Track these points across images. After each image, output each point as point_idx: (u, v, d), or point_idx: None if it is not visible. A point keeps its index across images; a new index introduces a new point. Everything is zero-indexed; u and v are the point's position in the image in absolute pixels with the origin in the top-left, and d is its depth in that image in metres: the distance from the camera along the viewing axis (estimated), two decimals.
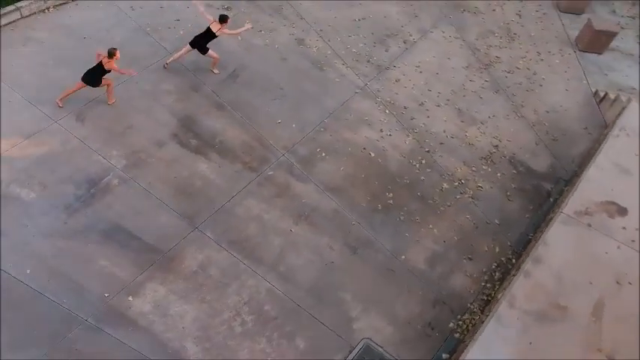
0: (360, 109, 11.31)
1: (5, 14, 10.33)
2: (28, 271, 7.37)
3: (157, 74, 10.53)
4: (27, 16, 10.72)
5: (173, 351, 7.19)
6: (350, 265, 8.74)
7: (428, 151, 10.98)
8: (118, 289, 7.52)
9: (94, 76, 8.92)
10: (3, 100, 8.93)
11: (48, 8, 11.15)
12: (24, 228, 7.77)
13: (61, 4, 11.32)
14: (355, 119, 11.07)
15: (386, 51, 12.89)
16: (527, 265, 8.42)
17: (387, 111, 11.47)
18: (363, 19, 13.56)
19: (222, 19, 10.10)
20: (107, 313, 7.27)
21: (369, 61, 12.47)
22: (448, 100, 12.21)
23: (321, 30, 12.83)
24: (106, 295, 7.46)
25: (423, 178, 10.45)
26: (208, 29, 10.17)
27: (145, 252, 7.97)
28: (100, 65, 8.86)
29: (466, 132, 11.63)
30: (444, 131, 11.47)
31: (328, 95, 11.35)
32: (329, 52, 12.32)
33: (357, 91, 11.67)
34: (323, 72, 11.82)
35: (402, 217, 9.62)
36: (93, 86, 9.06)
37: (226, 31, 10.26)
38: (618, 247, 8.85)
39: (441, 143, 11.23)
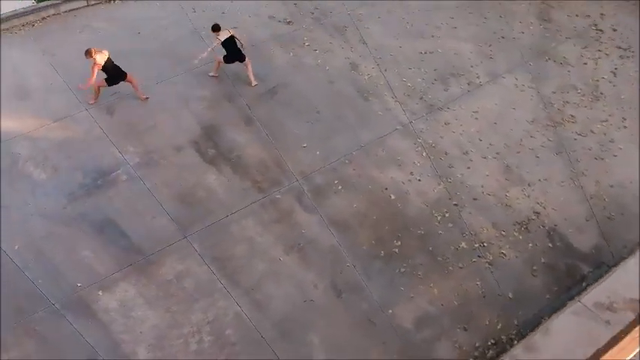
0: (395, 146, 11.37)
1: (72, 0, 11.60)
2: (16, 247, 8.27)
3: (198, 79, 11.28)
4: (92, 5, 11.95)
5: (124, 353, 7.73)
6: (330, 307, 8.85)
7: (456, 205, 10.79)
8: (91, 282, 8.21)
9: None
10: (46, 80, 10.02)
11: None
12: (25, 206, 8.73)
13: None
14: (386, 157, 11.14)
15: (445, 90, 12.82)
16: (517, 350, 8.06)
17: (424, 154, 11.42)
18: (430, 52, 13.59)
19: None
20: (74, 302, 7.97)
21: (421, 98, 12.48)
22: (498, 153, 11.90)
23: (380, 58, 13.04)
24: (79, 284, 8.18)
25: (441, 232, 10.30)
26: (232, 38, 10.59)
27: (128, 251, 8.63)
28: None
29: (507, 192, 11.27)
30: (482, 186, 11.20)
31: (365, 127, 11.52)
32: (381, 82, 12.49)
33: (399, 127, 11.73)
34: (368, 102, 12.01)
35: (402, 269, 9.56)
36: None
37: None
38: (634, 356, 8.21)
39: (475, 199, 10.98)
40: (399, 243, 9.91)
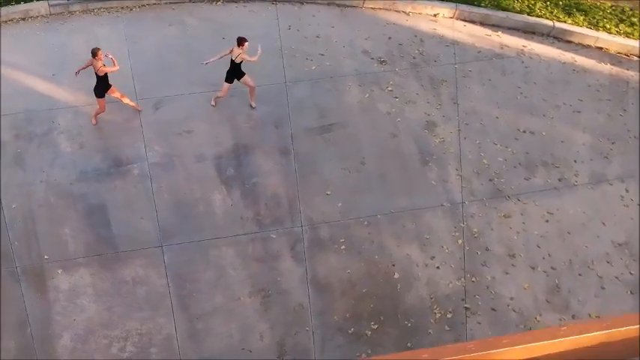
0: (430, 224, 11.18)
1: None
2: (13, 206, 9.91)
3: (256, 96, 12.17)
4: (194, 2, 13.50)
5: (51, 332, 8.89)
6: None
7: (467, 308, 10.34)
8: (57, 258, 9.54)
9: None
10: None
11: (218, 0, 13.78)
12: (40, 172, 10.38)
13: (230, 1, 13.85)
14: (413, 231, 11.02)
15: (526, 179, 12.21)
16: None
17: (460, 241, 11.08)
18: (531, 132, 12.99)
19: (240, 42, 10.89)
20: (34, 272, 9.35)
21: (491, 180, 12.04)
22: (554, 268, 11.08)
23: (466, 124, 12.81)
24: (46, 257, 9.56)
25: (431, 331, 9.98)
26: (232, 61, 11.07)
27: (103, 241, 9.83)
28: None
29: (539, 315, 10.48)
30: (512, 299, 10.56)
31: (407, 193, 11.49)
32: (453, 149, 12.30)
33: (445, 204, 11.50)
34: (425, 167, 11.94)
35: (364, 354, 9.49)
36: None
37: (245, 56, 11.01)
38: None
39: (493, 309, 10.41)
40: (376, 327, 9.83)
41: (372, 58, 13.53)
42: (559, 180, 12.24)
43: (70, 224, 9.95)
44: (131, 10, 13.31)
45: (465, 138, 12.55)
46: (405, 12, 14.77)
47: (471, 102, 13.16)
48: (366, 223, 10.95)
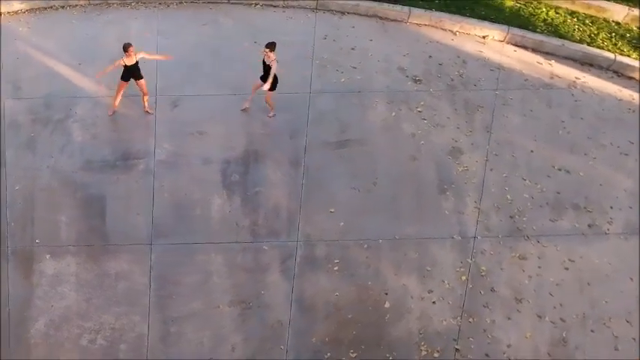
0: (435, 255, 11.01)
1: None
2: (17, 187, 10.58)
3: (279, 104, 12.37)
4: (233, 3, 13.95)
5: (27, 315, 9.41)
6: None
7: (457, 350, 10.12)
8: (48, 243, 10.10)
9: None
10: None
11: (257, 4, 14.18)
12: (48, 157, 11.04)
13: (269, 5, 14.16)
14: (415, 261, 10.90)
15: (551, 220, 11.80)
16: None
17: (464, 277, 10.87)
18: (566, 171, 12.54)
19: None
20: (23, 254, 9.96)
21: (511, 217, 11.73)
22: (563, 320, 10.65)
23: (496, 154, 12.55)
24: (37, 241, 10.13)
25: None
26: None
27: (95, 233, 10.33)
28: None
29: None
30: (509, 346, 10.23)
31: (416, 220, 11.37)
32: (475, 180, 12.09)
33: (455, 237, 11.30)
34: (441, 195, 11.78)
35: None
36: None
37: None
38: None
39: (487, 355, 10.14)
40: (354, 355, 9.79)
41: (407, 76, 13.50)
42: (589, 226, 11.76)
43: (67, 212, 10.50)
44: (168, 6, 13.92)
45: (491, 169, 12.29)
46: (451, 31, 14.65)
47: (505, 132, 12.87)
48: (365, 246, 10.92)
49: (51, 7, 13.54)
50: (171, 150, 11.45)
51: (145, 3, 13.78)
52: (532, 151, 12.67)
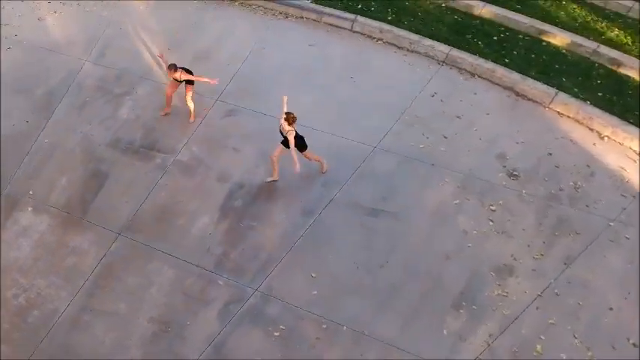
0: None
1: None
2: (46, 141, 13.08)
3: (336, 151, 12.96)
4: (355, 31, 15.05)
5: None
6: None
7: None
8: (37, 198, 12.35)
9: None
10: (230, 57, 14.07)
11: (381, 40, 15.01)
12: (86, 124, 13.44)
13: (393, 45, 14.88)
14: None
15: None
16: None
17: None
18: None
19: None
20: (12, 200, 12.49)
21: None
22: None
23: (557, 294, 11.53)
24: (31, 192, 12.44)
25: None
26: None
27: (80, 205, 12.29)
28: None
29: None
30: None
31: (402, 325, 10.97)
32: (507, 312, 11.29)
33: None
34: (452, 311, 11.26)
35: None
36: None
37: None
38: None
39: None
40: None
41: (504, 167, 13.03)
42: None
43: (71, 177, 12.61)
44: (287, 17, 15.46)
45: (537, 307, 11.36)
46: (599, 133, 13.64)
47: (590, 273, 11.67)
48: (325, 326, 11.04)
49: None
50: (196, 155, 12.86)
51: (266, 9, 15.53)
52: (611, 309, 11.35)
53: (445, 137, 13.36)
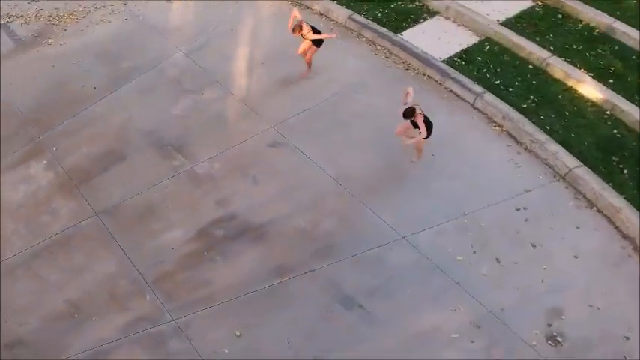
0: None
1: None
2: (97, 109, 14.19)
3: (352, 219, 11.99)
4: (461, 98, 13.97)
5: None
6: None
7: None
8: (55, 157, 13.27)
9: None
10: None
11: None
12: (139, 107, 14.21)
13: (497, 125, 13.45)
14: None
15: None
16: None
17: None
18: None
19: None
20: (34, 151, 13.47)
21: None
22: None
23: None
24: (54, 149, 13.43)
25: None
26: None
27: (86, 175, 12.92)
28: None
29: None
30: None
31: None
32: None
33: None
34: None
35: None
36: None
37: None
38: None
39: None
40: None
41: (549, 325, 10.11)
42: None
43: (93, 149, 13.32)
44: (407, 68, 14.89)
45: None
46: None
47: None
48: None
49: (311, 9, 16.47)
50: (212, 171, 12.73)
51: (389, 54, 15.23)
52: None
53: (498, 261, 11.25)
